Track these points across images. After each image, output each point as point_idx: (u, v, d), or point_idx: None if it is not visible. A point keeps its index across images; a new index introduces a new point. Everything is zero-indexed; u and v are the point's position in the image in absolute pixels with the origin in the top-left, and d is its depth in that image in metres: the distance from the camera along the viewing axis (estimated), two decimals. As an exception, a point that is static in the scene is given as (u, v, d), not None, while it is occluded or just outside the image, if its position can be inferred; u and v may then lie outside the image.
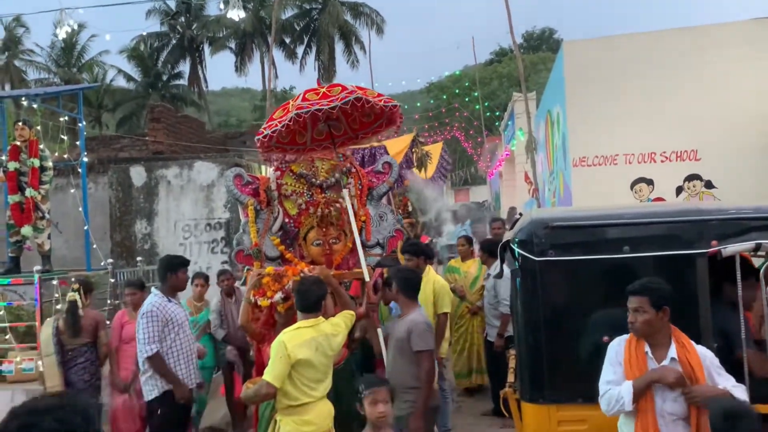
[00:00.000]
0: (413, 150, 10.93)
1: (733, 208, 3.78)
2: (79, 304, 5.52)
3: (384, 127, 5.26)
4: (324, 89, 4.73)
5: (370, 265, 5.16)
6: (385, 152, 9.36)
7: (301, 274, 4.54)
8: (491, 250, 6.49)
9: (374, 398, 3.22)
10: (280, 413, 3.86)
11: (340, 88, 4.73)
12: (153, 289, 5.03)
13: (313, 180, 5.18)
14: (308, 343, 3.80)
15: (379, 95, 4.90)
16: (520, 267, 3.83)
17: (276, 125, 4.68)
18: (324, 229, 5.10)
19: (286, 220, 5.13)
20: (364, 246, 5.15)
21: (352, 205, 5.15)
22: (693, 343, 3.13)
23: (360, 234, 5.16)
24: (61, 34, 13.18)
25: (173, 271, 5.00)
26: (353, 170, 5.32)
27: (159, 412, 4.76)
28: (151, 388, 4.79)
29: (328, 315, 4.35)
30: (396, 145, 10.41)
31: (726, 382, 3.04)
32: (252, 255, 5.00)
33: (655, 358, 3.10)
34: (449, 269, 7.57)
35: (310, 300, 3.96)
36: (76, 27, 23.22)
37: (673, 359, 3.07)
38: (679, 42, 7.96)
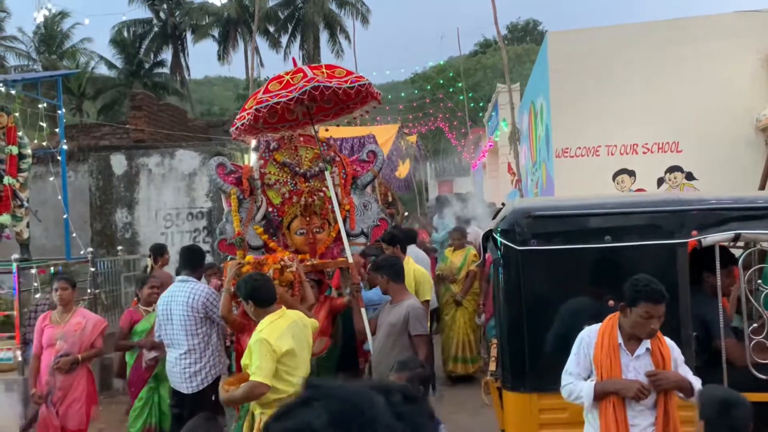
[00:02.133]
0: (400, 140, 10.94)
1: (713, 199, 3.82)
2: (149, 269, 6.52)
3: (369, 98, 5.08)
4: (288, 77, 4.64)
5: (354, 253, 5.15)
6: (374, 141, 9.34)
7: (281, 263, 4.50)
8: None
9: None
10: (262, 407, 3.85)
11: (302, 74, 4.60)
12: (182, 276, 4.96)
13: (297, 169, 5.15)
14: (286, 333, 3.80)
15: (348, 72, 4.76)
16: (502, 256, 3.85)
17: (244, 117, 4.64)
18: (308, 219, 5.08)
19: (270, 209, 5.11)
20: (348, 235, 5.14)
21: (336, 193, 5.13)
22: (661, 334, 3.19)
23: (344, 223, 5.14)
24: (39, 17, 12.89)
25: (203, 262, 5.23)
26: (337, 159, 5.30)
27: (213, 398, 4.71)
28: (204, 376, 4.78)
29: (310, 303, 4.40)
30: (383, 134, 10.40)
31: (686, 373, 3.16)
32: (235, 244, 4.96)
33: (628, 350, 3.15)
34: (442, 259, 8.05)
35: (273, 293, 3.96)
36: (54, 10, 22.76)
37: (647, 350, 3.13)
38: (662, 34, 7.99)
